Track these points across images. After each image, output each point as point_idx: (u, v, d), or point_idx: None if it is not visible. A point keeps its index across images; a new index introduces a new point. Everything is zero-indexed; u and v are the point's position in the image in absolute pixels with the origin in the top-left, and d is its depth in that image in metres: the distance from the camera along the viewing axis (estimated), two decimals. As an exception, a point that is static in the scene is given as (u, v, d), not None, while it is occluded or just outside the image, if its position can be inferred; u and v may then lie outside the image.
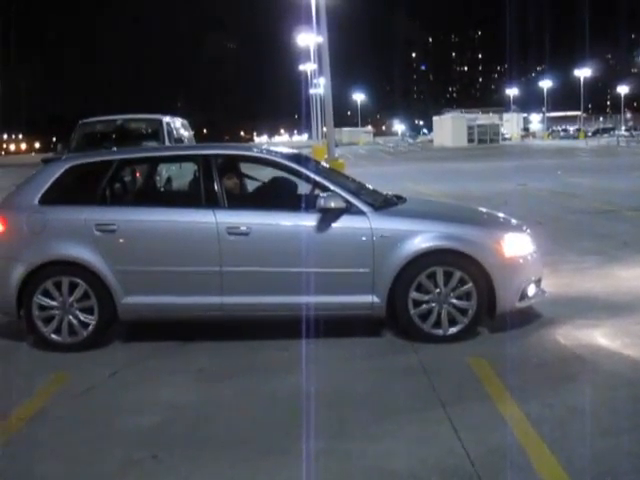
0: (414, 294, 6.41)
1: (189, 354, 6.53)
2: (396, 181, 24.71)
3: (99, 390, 5.73)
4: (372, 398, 5.30)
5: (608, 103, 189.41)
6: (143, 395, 5.58)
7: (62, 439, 4.81)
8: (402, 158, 55.52)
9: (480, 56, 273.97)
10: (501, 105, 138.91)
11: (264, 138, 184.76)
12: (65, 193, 6.92)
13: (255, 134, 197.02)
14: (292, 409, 5.07)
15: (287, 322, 6.64)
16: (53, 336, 6.67)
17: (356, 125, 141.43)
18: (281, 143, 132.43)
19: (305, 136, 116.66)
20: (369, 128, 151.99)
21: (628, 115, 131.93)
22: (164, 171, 13.61)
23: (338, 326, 6.66)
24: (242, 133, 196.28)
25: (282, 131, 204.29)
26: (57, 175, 6.93)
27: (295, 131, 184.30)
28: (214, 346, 6.72)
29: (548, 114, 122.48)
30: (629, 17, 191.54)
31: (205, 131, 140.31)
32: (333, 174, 7.69)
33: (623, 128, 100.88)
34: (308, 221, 6.50)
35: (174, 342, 6.83)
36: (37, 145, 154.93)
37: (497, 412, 4.87)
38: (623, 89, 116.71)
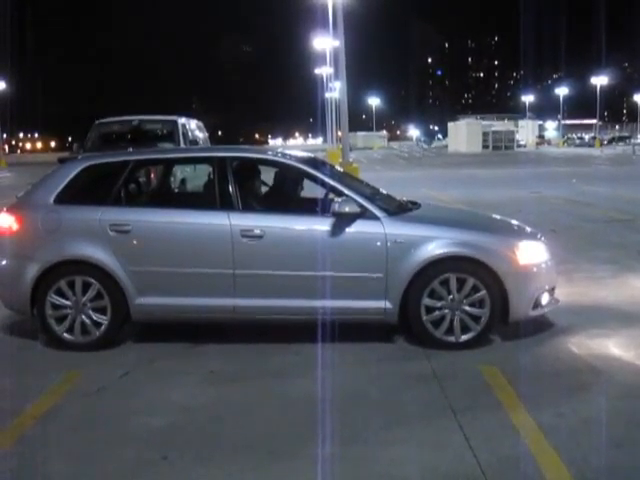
0: (427, 300, 6.39)
1: (201, 356, 6.53)
2: (410, 186, 24.67)
3: (110, 390, 5.75)
4: (384, 404, 5.29)
5: (624, 111, 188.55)
6: (154, 396, 5.58)
7: (73, 438, 4.82)
8: (416, 163, 55.44)
9: (496, 62, 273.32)
10: (517, 112, 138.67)
11: (279, 141, 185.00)
12: (80, 193, 6.95)
13: (270, 137, 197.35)
14: (303, 413, 5.07)
15: (299, 326, 6.64)
16: (66, 335, 6.69)
17: (371, 129, 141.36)
18: (296, 146, 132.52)
19: (320, 140, 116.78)
20: (384, 133, 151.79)
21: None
22: (179, 172, 13.64)
23: (350, 331, 6.65)
24: (257, 136, 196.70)
25: (297, 134, 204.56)
26: (73, 174, 6.96)
27: (310, 135, 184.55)
28: (226, 348, 6.72)
29: (564, 122, 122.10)
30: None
31: (220, 133, 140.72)
32: (348, 178, 7.68)
33: (639, 136, 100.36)
34: (322, 225, 6.50)
35: (186, 343, 6.84)
36: (53, 144, 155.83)
37: (509, 421, 4.85)
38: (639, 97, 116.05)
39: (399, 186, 23.46)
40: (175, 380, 5.93)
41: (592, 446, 4.44)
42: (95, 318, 6.66)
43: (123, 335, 6.96)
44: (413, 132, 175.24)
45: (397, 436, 4.69)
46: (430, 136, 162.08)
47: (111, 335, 6.75)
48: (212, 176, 6.99)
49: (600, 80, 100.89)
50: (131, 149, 10.11)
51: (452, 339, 6.44)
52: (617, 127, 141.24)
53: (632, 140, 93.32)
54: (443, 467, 4.23)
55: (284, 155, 7.43)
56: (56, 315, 6.67)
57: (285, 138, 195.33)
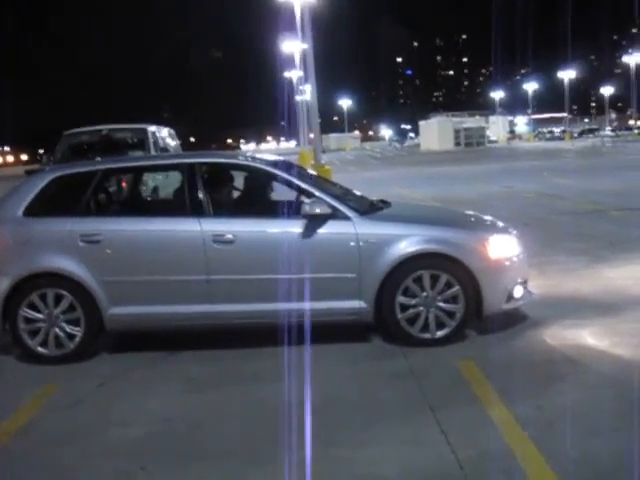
0: (401, 298, 6.40)
1: (177, 364, 6.49)
2: (383, 186, 24.74)
3: (87, 402, 5.70)
4: (361, 404, 5.29)
5: (593, 104, 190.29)
6: (131, 406, 5.54)
7: (49, 453, 4.77)
8: (389, 163, 55.61)
9: (465, 60, 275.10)
10: (487, 108, 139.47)
11: (251, 145, 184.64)
12: (49, 204, 6.89)
13: (242, 142, 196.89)
14: (281, 417, 5.03)
15: (275, 329, 6.62)
16: (39, 349, 6.62)
17: (343, 131, 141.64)
18: (269, 150, 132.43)
19: (293, 143, 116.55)
20: (356, 134, 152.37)
21: (612, 115, 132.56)
22: (150, 180, 13.55)
23: (326, 332, 6.64)
24: (229, 141, 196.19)
25: (269, 138, 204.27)
26: (41, 186, 6.90)
27: (282, 138, 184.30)
28: (202, 355, 6.69)
29: (534, 116, 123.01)
30: (611, 18, 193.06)
31: (192, 140, 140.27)
32: (318, 180, 7.68)
33: (608, 128, 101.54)
34: (294, 227, 6.48)
35: (162, 352, 6.80)
36: (24, 157, 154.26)
37: (486, 415, 4.87)
38: (607, 90, 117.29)
39: (372, 186, 23.56)
40: (152, 389, 5.90)
41: (570, 436, 4.46)
42: (69, 330, 6.59)
43: (99, 346, 6.90)
44: (385, 132, 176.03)
45: (376, 435, 4.69)
46: (402, 135, 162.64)
47: (86, 347, 6.69)
48: (182, 183, 6.96)
49: (567, 74, 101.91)
50: (99, 159, 10.02)
51: (428, 336, 6.45)
52: (586, 120, 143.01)
53: (601, 132, 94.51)
54: (422, 464, 4.23)
55: (253, 159, 7.41)
56: (29, 329, 6.59)
57: (258, 142, 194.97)
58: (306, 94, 49.93)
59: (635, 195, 17.78)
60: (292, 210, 6.75)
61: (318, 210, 6.41)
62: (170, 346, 6.88)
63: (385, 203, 7.46)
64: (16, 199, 6.91)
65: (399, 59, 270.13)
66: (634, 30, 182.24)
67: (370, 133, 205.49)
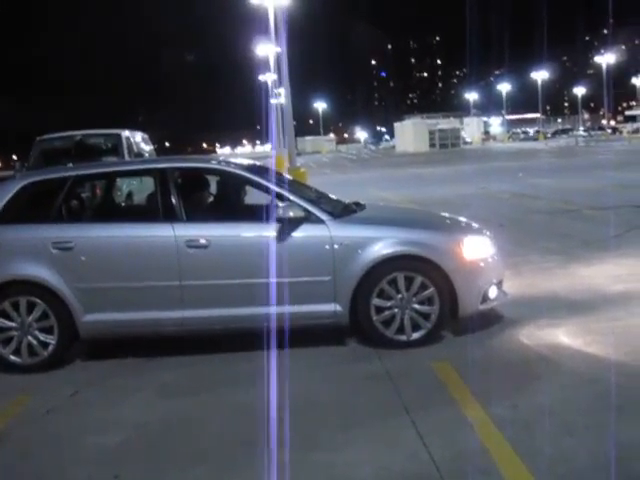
0: (376, 301, 6.40)
1: (152, 370, 6.44)
2: (359, 188, 24.78)
3: (60, 411, 5.64)
4: (337, 407, 5.28)
5: (566, 104, 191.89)
6: (105, 414, 5.49)
7: (22, 462, 4.71)
8: (365, 165, 55.72)
9: (439, 61, 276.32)
10: (461, 109, 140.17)
11: (227, 149, 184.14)
12: (21, 211, 6.81)
13: (218, 146, 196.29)
14: (257, 421, 5.00)
15: (250, 334, 6.59)
16: (12, 357, 6.55)
17: (318, 134, 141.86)
18: (244, 154, 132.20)
19: (268, 146, 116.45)
20: (331, 136, 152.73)
21: (585, 115, 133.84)
22: (124, 186, 13.48)
23: (302, 336, 6.62)
24: (205, 145, 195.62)
25: (245, 142, 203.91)
26: (12, 193, 6.82)
27: (258, 142, 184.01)
28: (177, 361, 6.64)
29: (508, 117, 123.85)
30: (583, 19, 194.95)
31: (167, 144, 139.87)
32: (292, 184, 7.66)
33: (581, 128, 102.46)
34: (267, 231, 6.46)
35: (137, 359, 6.75)
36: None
37: (462, 416, 4.87)
38: (580, 90, 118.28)
39: (348, 188, 23.59)
40: (127, 396, 5.84)
41: (545, 436, 4.47)
42: (42, 338, 6.52)
43: (72, 354, 6.84)
44: (360, 134, 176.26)
45: (352, 438, 4.68)
46: (377, 137, 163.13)
47: (60, 355, 6.62)
48: (155, 188, 6.90)
49: (541, 75, 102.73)
50: (71, 164, 9.94)
51: (403, 338, 6.45)
52: (559, 120, 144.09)
53: (574, 132, 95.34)
54: (398, 466, 4.23)
55: (227, 163, 7.38)
56: (1, 337, 6.52)
57: (233, 146, 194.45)
58: (281, 97, 49.92)
59: (608, 194, 17.91)
60: (266, 214, 6.72)
61: (292, 214, 6.40)
62: (144, 353, 6.83)
63: (359, 205, 7.46)
64: (-13, 206, 6.82)
65: (373, 61, 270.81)
66: (606, 31, 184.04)
67: (345, 135, 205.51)
